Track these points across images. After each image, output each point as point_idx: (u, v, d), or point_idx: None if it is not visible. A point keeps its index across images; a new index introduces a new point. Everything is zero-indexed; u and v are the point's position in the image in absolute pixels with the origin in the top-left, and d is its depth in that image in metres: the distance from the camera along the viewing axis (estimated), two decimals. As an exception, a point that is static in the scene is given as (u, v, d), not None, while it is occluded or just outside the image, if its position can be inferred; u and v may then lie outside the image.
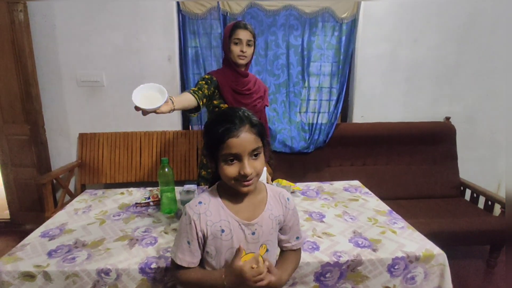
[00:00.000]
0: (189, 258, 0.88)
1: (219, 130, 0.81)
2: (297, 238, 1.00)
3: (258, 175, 0.86)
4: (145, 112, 1.10)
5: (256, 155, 0.84)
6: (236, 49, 1.63)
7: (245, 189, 0.85)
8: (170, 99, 1.21)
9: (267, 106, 1.87)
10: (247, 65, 1.72)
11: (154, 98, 1.11)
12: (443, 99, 2.74)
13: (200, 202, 0.89)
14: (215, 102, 1.68)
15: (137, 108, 1.07)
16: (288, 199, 0.97)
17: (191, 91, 1.50)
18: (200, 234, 0.87)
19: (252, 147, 0.82)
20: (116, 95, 2.58)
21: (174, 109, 1.21)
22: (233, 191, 0.88)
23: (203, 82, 1.62)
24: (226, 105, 1.68)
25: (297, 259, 1.02)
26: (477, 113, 2.76)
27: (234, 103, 1.68)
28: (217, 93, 1.67)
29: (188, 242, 0.87)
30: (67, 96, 2.56)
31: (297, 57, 2.54)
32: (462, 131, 2.70)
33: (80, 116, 2.61)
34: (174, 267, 0.91)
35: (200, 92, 1.53)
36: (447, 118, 2.73)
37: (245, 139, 0.81)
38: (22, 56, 2.36)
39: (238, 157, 0.82)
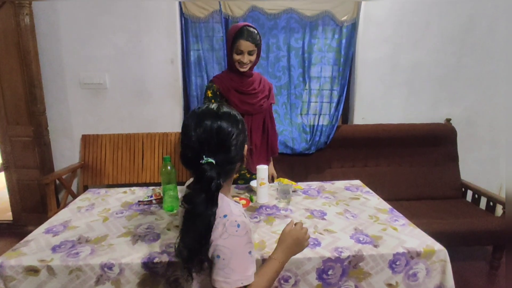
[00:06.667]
0: (254, 268, 0.85)
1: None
2: None
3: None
4: None
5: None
6: (237, 58, 1.62)
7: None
8: None
9: (273, 103, 1.86)
10: (251, 66, 1.71)
11: None
12: (444, 101, 2.75)
13: (236, 203, 0.91)
14: None
15: None
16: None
17: None
18: None
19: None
20: (119, 97, 2.60)
21: None
22: (227, 189, 0.94)
23: (211, 94, 1.69)
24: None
25: None
26: (477, 114, 2.77)
27: (240, 104, 1.68)
28: (223, 96, 1.71)
29: (250, 252, 0.84)
30: (71, 97, 2.59)
31: (298, 60, 2.56)
32: (463, 132, 2.70)
33: (83, 117, 2.63)
34: None
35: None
36: (448, 120, 2.74)
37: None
38: (27, 58, 2.39)
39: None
